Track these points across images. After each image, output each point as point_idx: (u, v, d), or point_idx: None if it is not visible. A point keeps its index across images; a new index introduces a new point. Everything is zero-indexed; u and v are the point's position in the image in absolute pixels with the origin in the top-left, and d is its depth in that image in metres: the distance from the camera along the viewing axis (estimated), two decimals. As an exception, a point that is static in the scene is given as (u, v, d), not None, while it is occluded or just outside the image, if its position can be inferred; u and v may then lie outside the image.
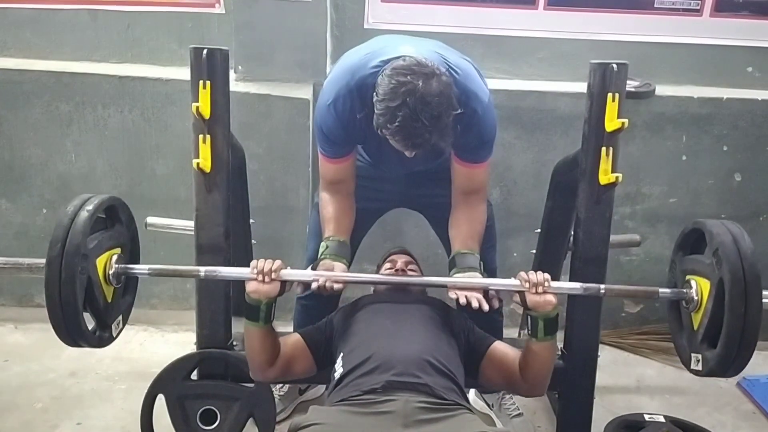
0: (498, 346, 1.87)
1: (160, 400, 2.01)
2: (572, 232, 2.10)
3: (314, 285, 1.81)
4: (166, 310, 3.03)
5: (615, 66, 1.89)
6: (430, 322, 1.82)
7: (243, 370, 2.01)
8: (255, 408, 2.01)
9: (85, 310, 1.76)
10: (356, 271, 2.34)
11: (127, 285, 1.97)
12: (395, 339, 1.72)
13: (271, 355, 1.79)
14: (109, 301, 1.86)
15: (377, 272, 2.25)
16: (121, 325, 1.95)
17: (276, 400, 2.14)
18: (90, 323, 1.82)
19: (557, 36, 2.85)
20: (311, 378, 2.12)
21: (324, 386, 2.15)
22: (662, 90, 2.79)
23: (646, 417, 2.27)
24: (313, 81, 2.70)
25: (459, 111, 1.68)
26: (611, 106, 1.88)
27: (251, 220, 2.49)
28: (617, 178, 1.92)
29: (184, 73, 2.00)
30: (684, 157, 2.87)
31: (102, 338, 1.86)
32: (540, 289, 1.72)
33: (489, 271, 2.17)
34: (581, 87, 2.02)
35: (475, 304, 1.78)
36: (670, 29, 2.83)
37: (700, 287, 1.80)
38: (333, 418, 1.50)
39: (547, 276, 1.74)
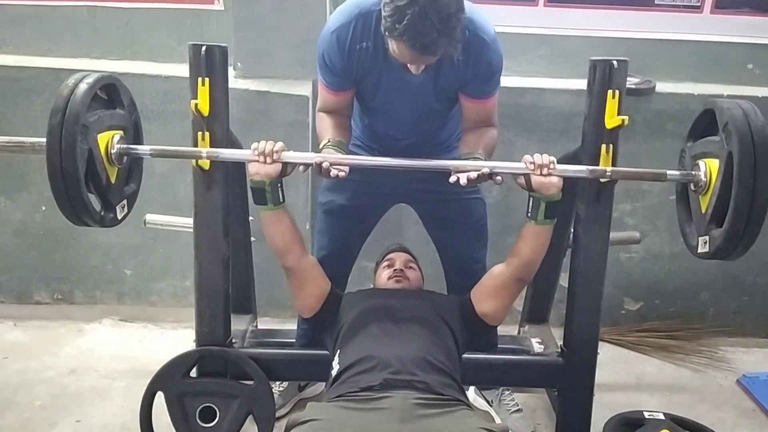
0: (475, 287, 1.95)
1: (160, 398, 2.01)
2: (572, 230, 2.10)
3: (317, 160, 1.81)
4: (166, 307, 3.04)
5: (615, 63, 1.89)
6: (428, 320, 1.82)
7: (242, 367, 2.01)
8: (254, 405, 2.00)
9: (89, 190, 1.77)
10: (355, 269, 2.35)
11: (131, 170, 1.98)
12: (393, 338, 1.73)
13: (290, 238, 1.85)
14: (113, 182, 1.87)
15: (376, 269, 2.25)
16: (126, 209, 1.95)
17: (275, 396, 2.15)
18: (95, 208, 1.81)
19: (557, 33, 2.84)
20: (310, 375, 2.14)
21: (323, 384, 2.15)
22: (662, 87, 2.79)
23: (646, 414, 2.27)
24: (312, 78, 2.68)
25: (467, 15, 1.68)
26: (611, 103, 1.88)
27: (250, 218, 2.49)
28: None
29: (183, 70, 2.00)
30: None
31: (106, 218, 1.86)
32: (545, 171, 1.73)
33: (478, 270, 2.18)
34: (581, 84, 2.02)
35: (473, 175, 1.79)
36: (671, 26, 2.83)
37: (709, 168, 1.77)
38: (330, 414, 1.50)
39: (552, 158, 1.76)
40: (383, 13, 1.68)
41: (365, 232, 2.26)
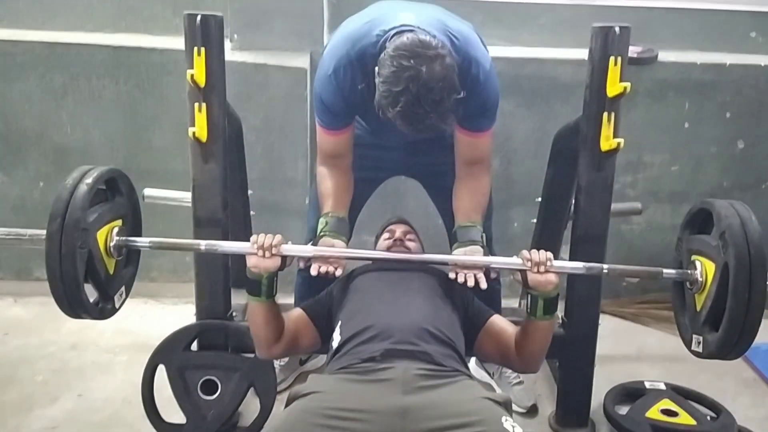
0: (496, 320, 1.86)
1: (161, 372, 2.01)
2: (573, 201, 2.09)
3: (313, 271, 1.80)
4: (166, 282, 3.03)
5: (617, 29, 1.86)
6: (429, 290, 1.81)
7: (243, 340, 2.01)
8: (255, 378, 2.01)
9: (86, 282, 1.75)
10: (355, 243, 2.33)
11: (129, 256, 1.95)
12: (394, 307, 1.72)
13: (275, 331, 1.79)
14: (111, 273, 1.85)
15: (376, 242, 2.24)
16: (124, 296, 1.93)
17: (276, 370, 2.15)
18: (92, 295, 1.80)
19: (558, 2, 2.80)
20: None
21: (324, 357, 2.15)
22: (665, 56, 2.76)
23: (647, 385, 2.28)
24: (310, 50, 2.66)
25: (461, 95, 1.65)
26: (613, 71, 1.86)
27: (249, 191, 2.48)
28: (619, 144, 1.90)
29: (179, 43, 1.97)
30: (686, 125, 2.84)
31: (104, 310, 1.84)
32: (542, 269, 1.70)
33: (485, 240, 2.16)
34: (582, 54, 1.99)
35: (471, 283, 1.78)
36: (673, -6, 2.79)
37: (705, 269, 1.77)
38: (332, 386, 1.49)
39: (549, 255, 1.71)
40: (377, 89, 1.65)
41: (360, 202, 2.24)
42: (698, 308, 1.81)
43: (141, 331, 2.64)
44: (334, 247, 1.85)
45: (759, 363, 2.58)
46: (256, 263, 1.72)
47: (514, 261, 1.76)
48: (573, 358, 2.12)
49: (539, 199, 2.48)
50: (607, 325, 2.53)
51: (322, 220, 1.93)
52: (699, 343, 1.80)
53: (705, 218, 1.86)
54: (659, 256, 3.00)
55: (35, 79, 2.75)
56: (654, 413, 2.12)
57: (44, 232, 1.68)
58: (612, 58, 1.86)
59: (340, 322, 1.74)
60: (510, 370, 2.36)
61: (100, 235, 1.77)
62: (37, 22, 2.83)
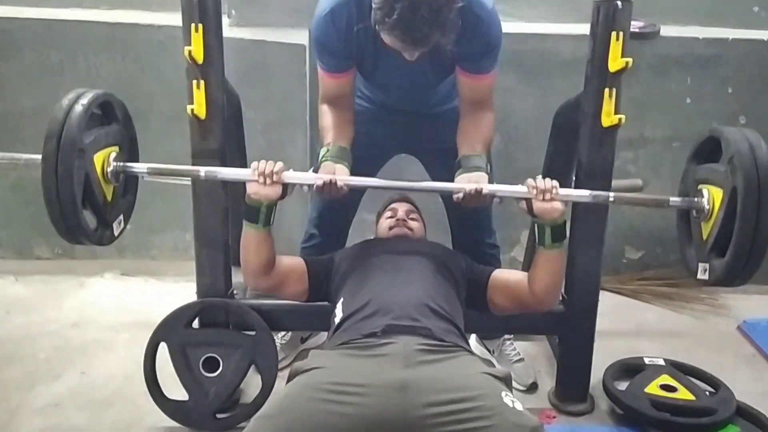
0: (498, 273, 1.90)
1: (163, 349, 2.02)
2: (574, 177, 2.08)
3: (318, 182, 1.79)
4: (167, 260, 3.03)
5: (619, 3, 1.84)
6: (429, 268, 1.82)
7: (244, 318, 2.02)
8: (257, 355, 2.02)
9: (84, 208, 1.73)
10: (357, 222, 2.33)
11: (127, 184, 1.93)
12: (395, 284, 1.72)
13: (265, 262, 1.79)
14: (109, 199, 1.84)
15: (377, 220, 2.24)
16: (123, 224, 1.92)
17: (278, 347, 2.16)
18: (91, 224, 1.79)
19: (560, -24, 2.77)
20: (311, 325, 2.15)
21: (325, 335, 2.16)
22: (667, 31, 2.74)
23: (646, 360, 2.29)
24: (308, 26, 2.62)
25: (461, 4, 1.63)
26: (615, 45, 1.84)
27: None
28: (620, 119, 1.89)
29: (176, 19, 1.95)
30: (688, 100, 2.83)
31: (103, 236, 1.83)
32: (547, 196, 1.71)
33: (483, 219, 2.16)
34: (584, 29, 1.97)
35: (470, 188, 1.78)
36: (675, -32, 2.76)
37: (712, 196, 1.76)
38: (333, 361, 1.50)
39: (554, 183, 1.74)
40: (373, 4, 1.63)
41: (361, 189, 2.24)
42: (705, 237, 1.79)
43: (142, 309, 2.64)
44: (335, 174, 1.83)
45: (758, 338, 2.59)
46: (256, 190, 1.73)
47: (519, 189, 1.76)
48: (573, 334, 2.13)
49: (540, 175, 2.46)
50: (607, 302, 2.54)
51: (323, 149, 1.92)
52: (705, 270, 1.79)
53: (713, 148, 1.84)
54: (660, 231, 3.01)
55: (33, 56, 2.73)
56: (653, 388, 2.13)
57: (39, 156, 1.66)
58: (614, 33, 1.84)
59: (342, 299, 1.74)
60: (510, 348, 2.37)
61: (97, 159, 1.76)
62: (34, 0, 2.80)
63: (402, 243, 1.99)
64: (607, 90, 1.88)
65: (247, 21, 2.65)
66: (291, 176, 1.75)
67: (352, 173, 2.12)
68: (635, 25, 2.56)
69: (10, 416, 2.05)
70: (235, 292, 2.13)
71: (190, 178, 2.02)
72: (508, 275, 1.89)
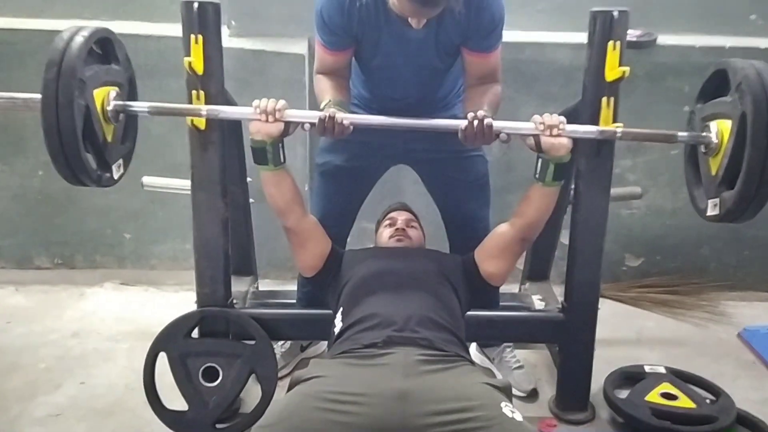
0: (479, 245, 1.94)
1: (163, 359, 2.02)
2: (573, 186, 2.08)
3: (322, 114, 1.78)
4: (166, 270, 3.04)
5: (616, 13, 1.86)
6: (429, 278, 1.82)
7: (244, 327, 2.03)
8: (256, 364, 2.02)
9: (85, 147, 1.71)
10: (356, 230, 2.34)
11: (127, 128, 1.93)
12: (396, 296, 1.73)
13: (290, 199, 1.82)
14: (109, 140, 1.82)
15: (377, 229, 2.25)
16: (122, 169, 1.91)
17: (277, 356, 2.16)
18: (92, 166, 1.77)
19: (557, -14, 2.79)
20: (311, 334, 2.15)
21: (325, 344, 2.16)
22: (664, 39, 2.75)
23: (647, 368, 2.29)
24: (308, 36, 2.65)
25: None
26: (612, 55, 1.85)
27: (248, 179, 2.47)
28: (618, 128, 1.89)
29: (176, 30, 1.97)
30: (686, 108, 2.81)
31: (103, 177, 1.81)
32: (555, 131, 1.72)
33: (481, 229, 2.17)
34: (581, 38, 1.99)
35: (480, 114, 1.77)
36: (672, -23, 2.77)
37: (721, 130, 1.74)
38: (333, 370, 1.50)
39: (561, 119, 1.74)
40: None
41: (363, 193, 2.25)
42: (714, 172, 1.77)
43: (142, 319, 2.65)
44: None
45: (758, 345, 2.59)
46: (258, 128, 1.73)
47: (527, 125, 1.76)
48: (573, 342, 2.13)
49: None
50: (607, 309, 2.54)
51: (323, 103, 1.92)
52: (715, 205, 1.76)
53: (719, 83, 1.83)
54: (660, 239, 3.02)
55: (34, 67, 2.70)
56: (654, 397, 2.13)
57: (38, 96, 1.63)
58: (611, 42, 1.85)
59: (341, 309, 1.75)
60: (510, 355, 2.37)
61: (97, 96, 1.74)
62: (36, 10, 2.83)
63: (401, 252, 1.99)
64: (604, 99, 1.88)
65: (246, 31, 2.66)
66: (293, 114, 1.75)
67: (350, 185, 2.14)
68: (632, 34, 2.58)
69: (10, 426, 2.05)
70: (234, 301, 2.13)
71: (188, 190, 2.03)
72: (486, 240, 1.93)
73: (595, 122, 1.91)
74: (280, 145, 1.76)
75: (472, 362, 1.63)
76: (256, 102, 1.73)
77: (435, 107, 2.10)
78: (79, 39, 1.68)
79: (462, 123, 1.82)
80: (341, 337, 1.66)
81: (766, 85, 1.63)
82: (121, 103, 1.83)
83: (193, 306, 2.10)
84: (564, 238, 2.27)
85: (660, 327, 2.76)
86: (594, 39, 1.89)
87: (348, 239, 2.33)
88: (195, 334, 2.06)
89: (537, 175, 1.76)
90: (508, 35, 2.74)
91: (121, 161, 1.90)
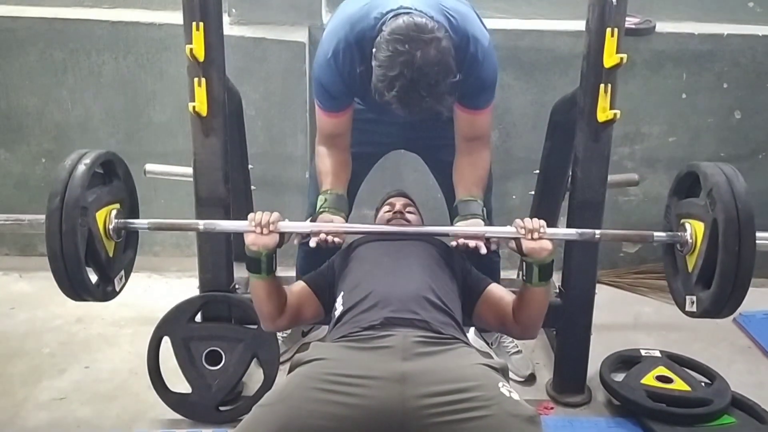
0: (494, 288, 1.89)
1: (167, 343, 2.05)
2: (571, 172, 2.11)
3: (312, 242, 1.82)
4: (169, 257, 3.07)
5: (614, 0, 1.86)
6: (428, 259, 1.84)
7: (246, 312, 2.05)
8: (259, 349, 2.05)
9: (87, 265, 1.76)
10: (355, 217, 2.35)
11: (128, 240, 1.96)
12: (394, 277, 1.75)
13: (278, 305, 1.82)
14: (111, 255, 1.86)
15: (376, 215, 2.26)
16: (123, 279, 1.95)
17: (279, 341, 2.19)
18: (92, 279, 1.81)
19: (556, -27, 2.80)
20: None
21: (326, 328, 2.19)
22: (662, 27, 2.76)
23: (643, 352, 2.32)
24: (308, 24, 2.66)
25: (457, 78, 1.66)
26: (610, 42, 1.86)
27: (250, 166, 2.50)
28: (615, 114, 1.92)
29: (177, 18, 1.98)
30: (684, 96, 2.85)
31: (105, 292, 1.86)
32: (536, 236, 1.72)
33: (485, 213, 2.19)
34: (580, 25, 2.00)
35: (472, 244, 1.81)
36: (671, -36, 2.78)
37: (695, 230, 1.79)
38: (333, 353, 1.53)
39: (542, 222, 1.74)
40: (374, 74, 1.66)
41: (361, 177, 2.26)
42: (690, 269, 1.82)
43: (145, 305, 2.68)
44: (332, 223, 1.87)
45: (753, 330, 2.62)
46: (254, 240, 1.75)
47: (508, 230, 1.78)
48: (570, 326, 2.16)
49: (537, 171, 2.50)
50: (604, 295, 2.57)
51: (321, 198, 1.95)
52: (693, 302, 1.81)
53: (692, 182, 1.88)
54: (656, 226, 3.00)
55: (35, 55, 2.76)
56: (649, 380, 2.16)
57: (43, 216, 1.69)
58: (609, 30, 1.86)
59: (342, 293, 1.77)
60: (508, 340, 2.40)
61: (99, 217, 1.78)
62: (37, -2, 2.84)
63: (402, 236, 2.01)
64: (602, 86, 1.90)
65: (247, 19, 2.67)
66: (287, 226, 1.78)
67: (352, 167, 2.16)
68: (630, 22, 2.59)
69: (16, 410, 2.09)
70: (236, 286, 2.16)
71: (191, 178, 2.05)
72: (502, 294, 1.87)
73: (593, 110, 1.93)
74: (274, 255, 1.78)
75: (469, 344, 1.65)
76: (251, 216, 1.75)
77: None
78: (81, 168, 1.71)
79: (456, 233, 1.85)
80: (341, 320, 1.68)
81: (735, 193, 1.67)
82: (122, 221, 1.85)
83: (196, 292, 2.12)
84: (562, 225, 2.30)
85: (656, 312, 2.79)
86: (592, 26, 1.91)
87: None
88: (198, 318, 2.09)
89: (524, 278, 1.76)
90: (508, 23, 2.78)
91: (122, 272, 1.93)
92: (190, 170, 2.07)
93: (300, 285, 1.91)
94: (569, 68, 2.68)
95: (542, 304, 1.79)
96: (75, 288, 1.74)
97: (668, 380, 2.15)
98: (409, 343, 1.51)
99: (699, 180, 1.81)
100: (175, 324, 2.06)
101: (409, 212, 2.14)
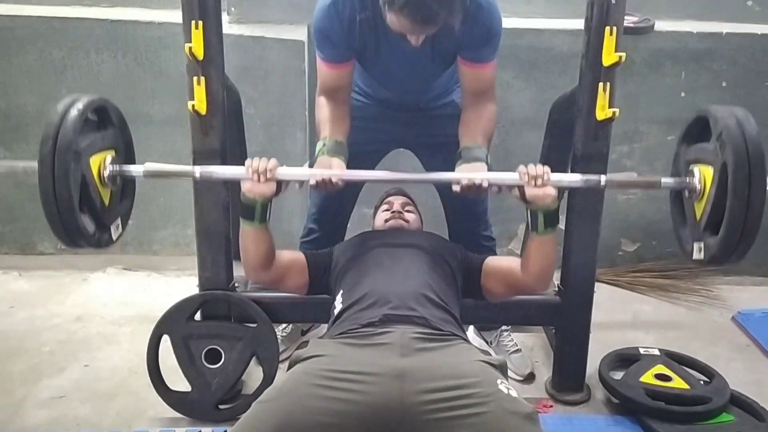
0: (491, 259, 1.94)
1: (166, 342, 2.05)
2: (570, 171, 2.11)
3: (312, 181, 1.81)
4: (168, 256, 3.07)
5: (613, -1, 1.87)
6: (426, 258, 1.84)
7: (245, 310, 2.05)
8: (258, 346, 2.05)
9: (82, 212, 1.75)
10: (356, 216, 2.36)
11: (125, 188, 1.95)
12: (392, 276, 1.75)
13: (264, 256, 1.81)
14: (107, 203, 1.85)
15: (374, 214, 2.27)
16: (120, 228, 1.94)
17: (279, 339, 2.19)
18: (89, 230, 1.79)
19: (555, -28, 2.80)
20: (311, 316, 2.18)
21: (325, 326, 2.19)
22: (661, 25, 2.76)
23: (641, 351, 2.32)
24: (307, 22, 2.66)
25: None
26: (609, 40, 1.86)
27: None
28: (614, 113, 1.92)
29: (176, 16, 1.98)
30: (683, 94, 2.85)
31: (101, 239, 1.84)
32: (539, 182, 1.73)
33: (480, 213, 2.19)
34: (579, 24, 2.00)
35: (477, 181, 1.79)
36: (670, -37, 2.78)
37: (703, 176, 1.76)
38: (333, 349, 1.53)
39: (546, 168, 1.75)
40: None
41: (359, 183, 2.27)
42: (698, 217, 1.79)
43: (145, 303, 2.68)
44: (331, 167, 1.86)
45: (752, 329, 2.62)
46: (251, 188, 1.74)
47: (512, 176, 1.78)
48: (569, 325, 2.16)
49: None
50: (603, 293, 2.57)
51: (319, 143, 1.94)
52: (700, 249, 1.78)
53: (702, 128, 1.84)
54: (656, 224, 3.04)
55: (34, 54, 2.76)
56: (648, 378, 2.16)
57: (35, 164, 1.67)
58: (608, 28, 1.86)
59: (341, 291, 1.78)
60: (507, 339, 2.41)
61: (93, 163, 1.77)
62: (36, -3, 2.84)
63: (398, 235, 2.02)
64: (601, 84, 1.90)
65: (246, 18, 2.67)
66: (285, 173, 1.77)
67: (350, 168, 2.15)
68: (629, 20, 2.59)
69: (15, 409, 2.09)
70: (236, 284, 2.16)
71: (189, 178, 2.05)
72: (500, 261, 1.92)
73: (592, 108, 1.93)
74: (269, 204, 1.78)
75: (468, 341, 1.65)
76: (248, 162, 1.74)
77: (434, 96, 2.13)
78: (73, 112, 1.70)
79: (457, 179, 1.85)
80: (340, 318, 1.69)
81: (746, 135, 1.64)
82: (117, 167, 1.85)
83: (195, 290, 2.12)
84: (560, 224, 2.30)
85: (655, 311, 2.79)
86: (591, 24, 1.91)
87: (348, 225, 2.36)
88: (197, 317, 2.09)
89: (530, 226, 1.77)
90: (507, 22, 2.74)
91: (119, 221, 1.93)
92: (189, 169, 2.07)
93: (297, 253, 1.95)
94: (568, 67, 2.68)
95: (551, 252, 1.79)
96: (69, 234, 1.72)
97: (667, 378, 2.15)
98: (408, 339, 1.51)
99: (709, 125, 1.77)
100: (174, 322, 2.06)
101: (407, 211, 2.15)
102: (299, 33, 2.66)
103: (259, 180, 1.73)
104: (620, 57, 1.87)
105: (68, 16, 2.74)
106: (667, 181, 1.85)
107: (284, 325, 2.42)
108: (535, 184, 1.72)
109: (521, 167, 1.75)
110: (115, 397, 2.16)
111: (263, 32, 2.65)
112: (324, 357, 1.49)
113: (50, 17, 2.73)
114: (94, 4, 2.84)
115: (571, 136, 2.06)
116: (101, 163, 1.81)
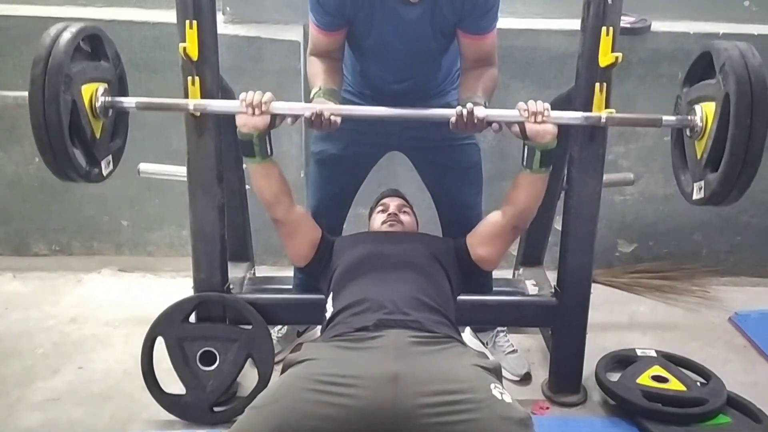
0: (471, 232, 1.97)
1: (161, 344, 2.04)
2: (566, 171, 2.10)
3: (307, 113, 1.80)
4: (163, 257, 3.06)
5: (609, -1, 1.86)
6: (420, 261, 1.84)
7: (240, 312, 2.04)
8: (253, 348, 2.04)
9: (73, 145, 1.74)
10: (352, 217, 2.35)
11: (117, 125, 1.94)
12: (386, 280, 1.75)
13: (278, 191, 1.85)
14: (98, 136, 1.84)
15: (370, 215, 2.26)
16: (111, 166, 1.93)
17: (274, 341, 2.18)
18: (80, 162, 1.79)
19: (551, -28, 2.79)
20: (307, 318, 2.17)
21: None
22: (658, 26, 2.76)
23: (638, 352, 2.31)
24: (303, 22, 2.65)
25: None
26: (605, 41, 1.86)
27: (244, 166, 2.48)
28: (611, 113, 1.91)
29: (171, 16, 1.97)
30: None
31: (91, 173, 1.83)
32: (539, 118, 1.72)
33: (474, 216, 2.19)
34: (575, 24, 1.99)
35: (469, 107, 1.77)
36: (666, -37, 2.78)
37: (705, 112, 1.75)
38: (326, 353, 1.52)
39: (546, 105, 1.75)
40: None
41: (358, 181, 2.26)
42: (699, 155, 1.77)
43: (139, 305, 2.67)
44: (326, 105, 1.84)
45: (749, 330, 2.62)
46: (244, 121, 1.75)
47: (512, 113, 1.77)
48: (566, 326, 2.16)
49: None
50: (600, 295, 2.57)
51: (314, 90, 1.93)
52: (700, 188, 1.76)
53: (705, 66, 1.83)
54: (653, 225, 3.04)
55: (29, 54, 2.69)
56: (645, 379, 2.15)
57: (26, 93, 1.67)
58: (604, 29, 1.86)
59: (331, 293, 1.77)
60: (504, 340, 2.40)
61: (85, 92, 1.76)
62: (29, -4, 2.82)
63: (393, 237, 2.01)
64: (597, 84, 1.89)
65: (241, 18, 2.66)
66: (280, 107, 1.76)
67: (346, 173, 2.15)
68: (626, 21, 2.59)
69: (9, 411, 2.07)
70: (231, 286, 2.15)
71: (184, 177, 2.04)
72: (478, 227, 1.95)
73: (588, 108, 1.92)
74: (267, 137, 1.76)
75: (463, 343, 1.65)
76: (242, 95, 1.74)
77: (429, 94, 2.12)
78: (66, 35, 1.70)
79: (452, 113, 1.82)
80: (333, 321, 1.68)
81: (749, 64, 1.63)
82: (109, 98, 1.84)
83: (190, 292, 2.11)
84: (557, 224, 2.29)
85: (652, 312, 2.79)
86: (587, 25, 1.90)
87: (344, 226, 2.35)
88: (192, 319, 2.08)
89: (524, 163, 1.76)
90: (503, 22, 2.74)
91: (110, 158, 1.91)
92: (184, 170, 2.06)
93: (317, 226, 1.99)
94: (564, 67, 2.66)
95: (539, 191, 1.82)
96: (58, 161, 1.72)
97: (664, 380, 2.15)
98: (402, 342, 1.51)
99: (712, 63, 1.76)
100: (169, 324, 2.04)
101: (403, 212, 2.14)
102: (295, 33, 2.65)
103: (253, 113, 1.72)
104: (617, 57, 1.86)
105: (62, 16, 2.71)
106: (668, 119, 1.84)
107: (279, 327, 2.41)
108: (535, 121, 1.72)
109: (521, 104, 1.75)
110: (110, 399, 2.15)
111: (258, 32, 2.64)
112: (317, 361, 1.48)
113: (44, 17, 2.71)
114: (89, 4, 2.82)
115: (567, 137, 2.04)
116: (93, 93, 1.81)
